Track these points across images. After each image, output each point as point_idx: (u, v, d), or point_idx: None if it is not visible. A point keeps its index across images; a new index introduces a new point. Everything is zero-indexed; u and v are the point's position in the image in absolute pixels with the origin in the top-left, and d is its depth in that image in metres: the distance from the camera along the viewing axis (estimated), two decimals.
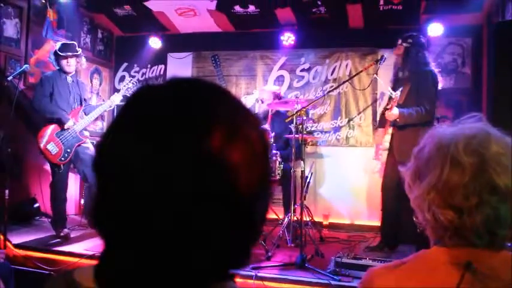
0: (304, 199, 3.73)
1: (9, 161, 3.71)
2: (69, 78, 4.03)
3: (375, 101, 5.18)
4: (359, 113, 5.24)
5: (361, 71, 4.07)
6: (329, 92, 4.91)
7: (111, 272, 0.53)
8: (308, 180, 4.40)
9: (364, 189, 5.06)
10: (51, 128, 3.89)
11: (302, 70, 5.45)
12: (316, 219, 4.60)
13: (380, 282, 0.92)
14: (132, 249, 0.51)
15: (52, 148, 3.86)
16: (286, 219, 3.83)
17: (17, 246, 3.51)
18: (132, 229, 0.50)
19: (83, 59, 4.26)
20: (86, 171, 3.92)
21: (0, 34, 4.38)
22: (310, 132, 5.09)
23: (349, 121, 5.27)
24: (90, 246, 3.52)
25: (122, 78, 5.85)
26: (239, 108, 0.57)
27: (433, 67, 3.58)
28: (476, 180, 0.84)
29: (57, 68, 4.04)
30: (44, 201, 4.51)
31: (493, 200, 0.84)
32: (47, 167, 4.15)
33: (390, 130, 3.57)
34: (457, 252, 0.87)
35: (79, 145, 3.95)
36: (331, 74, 5.36)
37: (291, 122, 3.77)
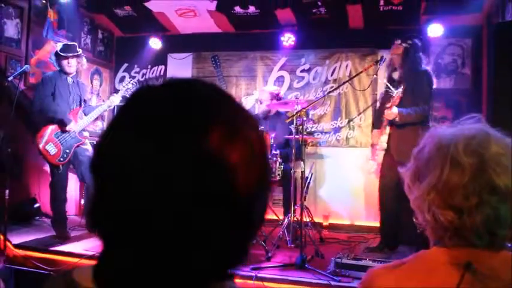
0: (304, 200, 3.73)
1: (10, 161, 3.71)
2: (69, 79, 4.03)
3: (375, 101, 5.17)
4: (359, 114, 5.24)
5: (361, 72, 4.07)
6: (329, 92, 4.91)
7: (110, 272, 0.53)
8: (308, 180, 4.41)
9: (364, 190, 5.06)
10: (50, 129, 3.90)
11: (302, 71, 5.45)
12: (316, 219, 4.60)
13: (380, 282, 0.92)
14: (131, 249, 0.51)
15: (51, 148, 3.86)
16: (286, 219, 3.83)
17: (17, 246, 3.51)
18: (131, 229, 0.50)
19: (84, 60, 4.26)
20: (84, 172, 3.92)
21: (1, 34, 4.39)
22: (311, 133, 5.09)
23: (349, 122, 5.27)
24: (90, 246, 3.51)
25: (122, 79, 5.86)
26: (238, 109, 0.57)
27: (429, 68, 3.62)
28: (476, 180, 0.85)
29: (58, 68, 4.04)
30: (44, 201, 4.50)
31: (493, 200, 0.84)
32: (47, 167, 4.16)
33: (387, 130, 3.57)
34: (457, 253, 0.87)
35: (78, 146, 3.95)
36: (331, 75, 5.36)
37: (291, 122, 3.78)
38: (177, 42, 5.76)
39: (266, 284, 2.91)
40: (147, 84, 0.57)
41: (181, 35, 5.80)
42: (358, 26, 5.20)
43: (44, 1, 4.79)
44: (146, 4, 5.08)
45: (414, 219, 0.97)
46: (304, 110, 3.55)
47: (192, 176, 0.49)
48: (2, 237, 3.40)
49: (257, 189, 0.54)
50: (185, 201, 0.49)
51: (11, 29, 4.50)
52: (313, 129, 5.29)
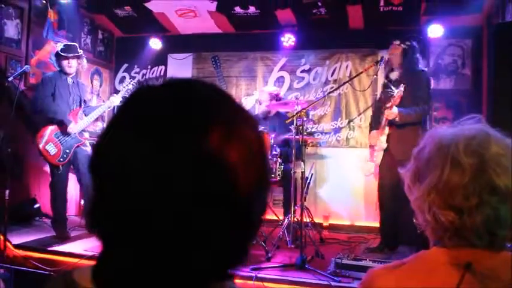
0: (305, 200, 3.73)
1: (10, 161, 3.71)
2: (69, 80, 4.03)
3: (375, 102, 5.17)
4: (359, 114, 5.25)
5: (362, 72, 4.07)
6: (329, 93, 4.91)
7: (109, 272, 0.53)
8: (308, 181, 4.41)
9: (364, 191, 5.06)
10: (50, 129, 3.90)
11: (302, 71, 5.46)
12: (316, 220, 4.59)
13: (380, 282, 0.92)
14: (131, 249, 0.51)
15: (51, 149, 3.86)
16: (286, 220, 3.83)
17: (17, 246, 3.51)
18: (131, 229, 0.50)
19: (84, 61, 4.26)
20: (82, 172, 3.92)
21: (1, 35, 4.39)
22: (311, 133, 5.09)
23: (349, 122, 5.27)
24: (90, 246, 3.51)
25: (122, 79, 5.86)
26: (238, 109, 0.57)
27: (426, 69, 3.66)
28: (476, 180, 0.85)
29: (58, 69, 4.04)
30: (44, 201, 4.50)
31: (493, 200, 0.84)
32: (47, 167, 4.16)
33: (386, 130, 3.57)
34: (457, 253, 0.87)
35: (78, 146, 3.95)
36: (332, 75, 5.37)
37: (291, 123, 3.78)
38: (177, 43, 5.77)
39: (266, 284, 2.91)
40: (146, 84, 0.57)
41: (181, 36, 5.80)
42: (358, 26, 5.20)
43: (44, 1, 4.79)
44: (146, 4, 5.09)
45: (414, 220, 0.97)
46: (304, 111, 3.55)
47: (192, 176, 0.49)
48: (2, 237, 3.40)
49: (257, 189, 0.54)
50: (185, 201, 0.49)
51: (11, 29, 4.50)
52: (313, 130, 5.29)
